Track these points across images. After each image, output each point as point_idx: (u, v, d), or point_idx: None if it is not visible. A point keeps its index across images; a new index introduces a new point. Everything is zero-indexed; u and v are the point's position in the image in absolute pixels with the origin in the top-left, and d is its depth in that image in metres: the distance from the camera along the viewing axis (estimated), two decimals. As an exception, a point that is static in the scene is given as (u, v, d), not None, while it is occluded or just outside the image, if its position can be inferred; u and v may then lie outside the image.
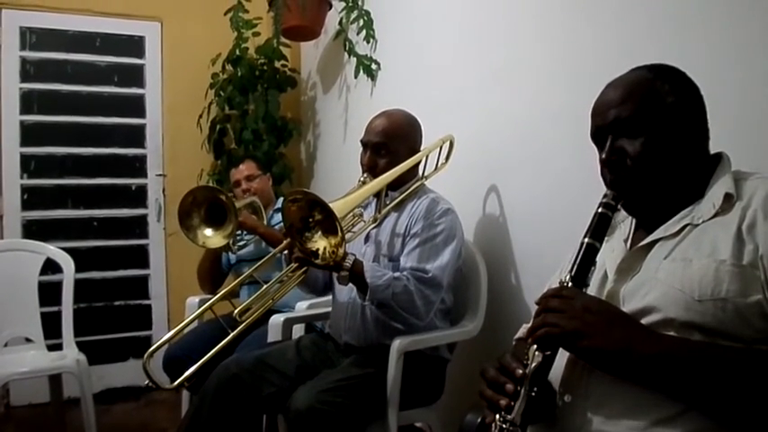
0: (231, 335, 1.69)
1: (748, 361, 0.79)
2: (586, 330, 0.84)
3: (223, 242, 2.39)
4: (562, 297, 0.89)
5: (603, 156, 1.00)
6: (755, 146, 1.19)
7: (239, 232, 2.60)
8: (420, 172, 2.00)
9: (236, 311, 1.72)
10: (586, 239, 0.96)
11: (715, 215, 0.90)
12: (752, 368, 0.78)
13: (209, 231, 2.36)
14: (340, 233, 1.51)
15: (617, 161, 0.98)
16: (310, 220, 1.58)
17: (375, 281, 1.67)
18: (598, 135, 1.03)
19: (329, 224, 1.53)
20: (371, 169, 1.89)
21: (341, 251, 1.55)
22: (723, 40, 1.28)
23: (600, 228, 0.97)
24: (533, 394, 0.87)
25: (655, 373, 0.82)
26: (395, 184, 1.87)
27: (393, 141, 1.89)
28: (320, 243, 1.58)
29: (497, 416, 0.88)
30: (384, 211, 1.84)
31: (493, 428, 0.88)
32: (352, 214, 1.74)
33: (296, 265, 1.77)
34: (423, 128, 2.01)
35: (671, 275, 0.88)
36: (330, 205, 1.49)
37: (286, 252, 1.79)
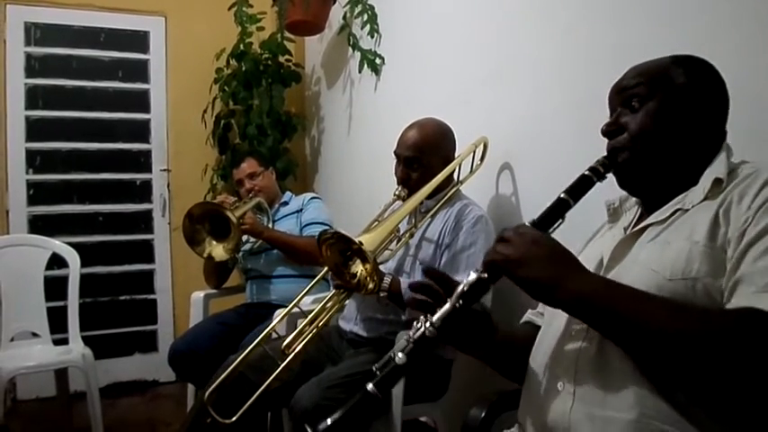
0: (280, 366, 1.68)
1: (680, 313, 0.79)
2: (526, 260, 0.87)
3: (226, 255, 2.41)
4: (517, 232, 0.92)
5: (605, 126, 1.03)
6: (759, 141, 1.18)
7: (245, 238, 2.62)
8: (455, 177, 1.98)
9: (284, 344, 1.72)
10: (562, 194, 0.99)
11: (704, 200, 0.91)
12: (683, 319, 0.78)
13: (215, 243, 2.39)
14: (372, 263, 1.58)
15: (615, 131, 1.01)
16: (348, 252, 1.64)
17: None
18: (610, 108, 1.06)
19: (364, 254, 1.58)
20: (405, 182, 1.89)
21: (374, 279, 1.62)
22: (725, 35, 1.27)
23: (579, 188, 1.00)
24: (457, 306, 0.93)
25: (578, 309, 0.86)
26: (430, 194, 1.85)
27: (425, 155, 1.88)
28: (359, 268, 1.64)
29: (422, 316, 0.95)
30: (420, 224, 1.85)
31: (414, 324, 0.95)
32: (390, 233, 1.74)
33: (337, 291, 1.79)
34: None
35: (649, 257, 0.90)
36: (361, 239, 1.55)
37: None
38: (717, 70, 1.01)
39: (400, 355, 0.92)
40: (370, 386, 0.92)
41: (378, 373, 0.94)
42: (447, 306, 0.93)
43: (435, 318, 0.93)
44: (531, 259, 0.87)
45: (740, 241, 0.81)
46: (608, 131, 1.02)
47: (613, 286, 0.86)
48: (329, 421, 0.92)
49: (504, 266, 0.90)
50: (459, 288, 0.94)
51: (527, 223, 0.97)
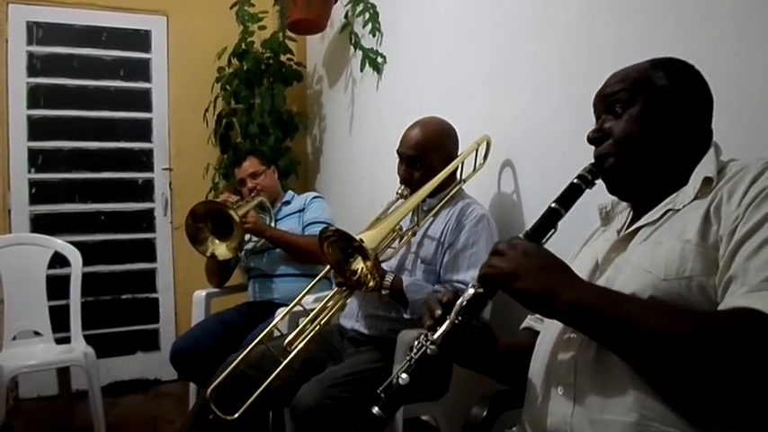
0: (282, 364, 1.69)
1: (672, 316, 0.79)
2: (520, 272, 0.88)
3: (229, 254, 2.41)
4: (510, 244, 0.93)
5: (590, 134, 1.04)
6: (758, 140, 1.18)
7: (247, 237, 2.61)
8: (458, 176, 1.98)
9: (285, 342, 1.73)
10: (553, 204, 1.00)
11: (695, 199, 0.91)
12: (675, 323, 0.78)
13: (218, 242, 2.39)
14: (372, 260, 1.59)
15: (601, 138, 1.02)
16: (349, 250, 1.65)
17: (414, 296, 1.71)
18: (595, 115, 1.07)
19: (365, 252, 1.58)
20: (407, 181, 1.90)
21: (375, 277, 1.63)
22: (724, 34, 1.27)
23: (569, 196, 1.01)
24: (457, 322, 0.93)
25: (573, 319, 0.86)
26: (432, 192, 1.85)
27: (427, 154, 1.88)
28: (359, 265, 1.66)
29: (422, 335, 0.95)
30: (422, 223, 1.86)
31: (415, 343, 0.95)
32: (391, 230, 1.75)
33: (340, 289, 1.79)
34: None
35: (641, 257, 0.90)
36: (361, 236, 1.55)
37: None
38: (697, 71, 1.02)
39: (403, 375, 0.92)
40: (375, 409, 0.91)
41: (382, 395, 0.93)
42: (447, 323, 0.93)
43: (436, 335, 0.93)
44: (524, 271, 0.88)
45: (731, 239, 0.81)
46: (593, 138, 1.03)
47: (606, 293, 0.86)
48: None
49: (499, 279, 0.90)
50: (458, 304, 0.94)
51: (520, 236, 0.97)
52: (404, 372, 0.92)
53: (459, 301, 0.94)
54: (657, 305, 0.82)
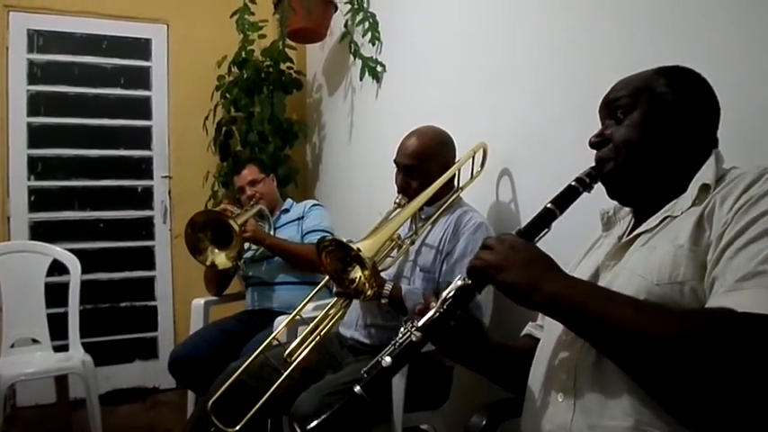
0: (284, 375, 1.69)
1: (648, 313, 0.80)
2: (505, 265, 0.91)
3: (229, 263, 2.40)
4: (498, 239, 0.96)
5: (591, 138, 1.05)
6: (760, 146, 1.18)
7: (246, 246, 2.61)
8: (456, 183, 1.98)
9: (286, 353, 1.73)
10: (548, 204, 1.02)
11: (692, 206, 0.92)
12: (649, 320, 0.78)
13: (217, 251, 2.38)
14: (370, 269, 1.59)
15: (601, 143, 1.04)
16: (347, 259, 1.65)
17: (412, 304, 1.70)
18: (600, 121, 1.08)
19: (362, 261, 1.58)
20: (405, 190, 1.90)
21: (373, 285, 1.64)
22: (726, 41, 1.27)
23: (565, 198, 1.03)
24: (441, 311, 0.96)
25: (553, 310, 0.88)
26: (430, 200, 1.86)
27: (424, 162, 1.88)
28: (357, 274, 1.66)
29: (409, 322, 0.99)
30: (420, 231, 1.86)
31: (401, 330, 0.98)
32: (389, 239, 1.75)
33: (339, 298, 1.79)
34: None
35: (636, 263, 0.91)
36: (359, 245, 1.55)
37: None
38: (704, 79, 1.02)
39: (387, 358, 0.95)
40: (357, 388, 0.94)
41: (365, 375, 0.96)
42: (431, 311, 0.97)
43: (420, 323, 0.96)
44: (510, 264, 0.90)
45: (719, 243, 0.82)
46: (594, 143, 1.05)
47: (589, 288, 0.88)
48: (315, 422, 0.93)
49: (484, 272, 0.93)
50: (443, 294, 0.97)
51: (512, 232, 0.99)
52: (387, 355, 0.96)
53: (445, 292, 0.97)
54: (638, 302, 0.82)
